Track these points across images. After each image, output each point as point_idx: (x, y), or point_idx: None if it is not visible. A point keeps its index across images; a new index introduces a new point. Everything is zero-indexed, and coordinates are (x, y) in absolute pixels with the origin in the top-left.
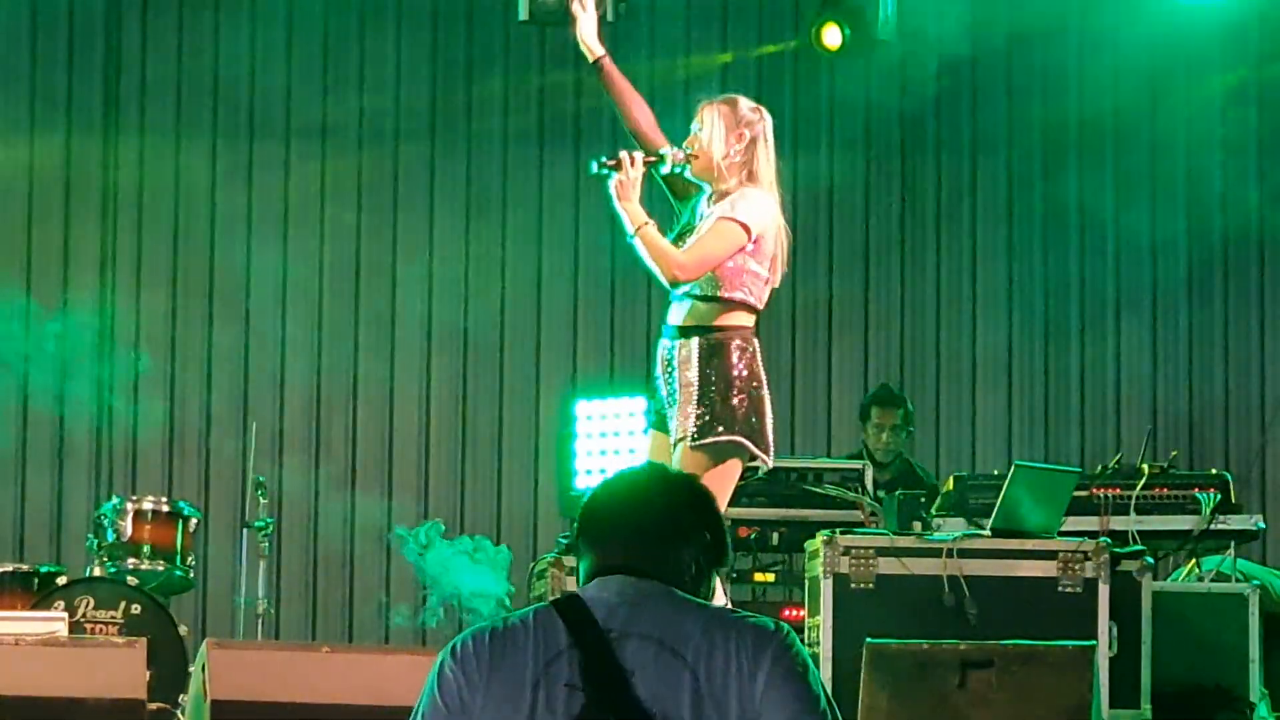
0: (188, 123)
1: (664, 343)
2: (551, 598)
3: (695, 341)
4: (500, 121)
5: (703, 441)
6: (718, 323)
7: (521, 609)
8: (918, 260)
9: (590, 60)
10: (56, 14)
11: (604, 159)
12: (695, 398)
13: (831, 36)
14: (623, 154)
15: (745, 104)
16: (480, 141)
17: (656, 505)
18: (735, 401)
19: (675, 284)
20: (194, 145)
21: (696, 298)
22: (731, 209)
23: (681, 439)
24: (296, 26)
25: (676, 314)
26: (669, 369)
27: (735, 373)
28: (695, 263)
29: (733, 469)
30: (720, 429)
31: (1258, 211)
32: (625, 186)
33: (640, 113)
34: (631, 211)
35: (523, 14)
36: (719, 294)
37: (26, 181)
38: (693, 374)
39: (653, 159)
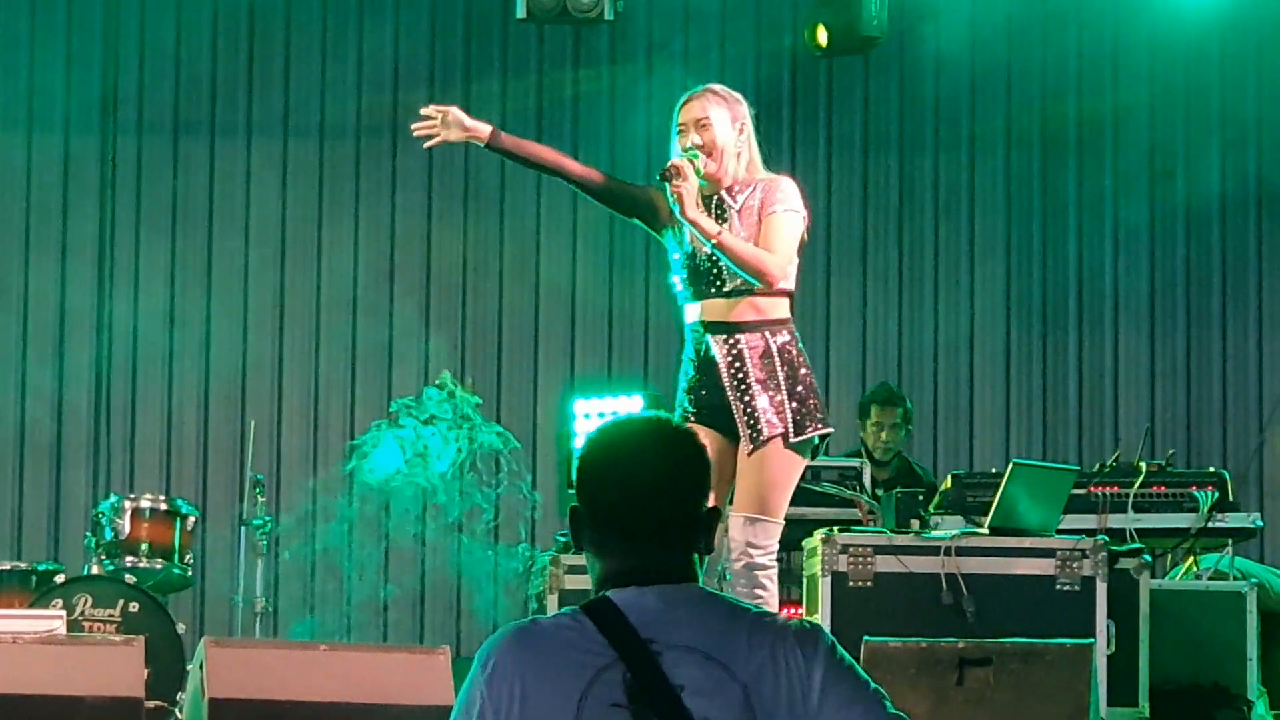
0: (186, 121)
1: (719, 339)
2: (584, 601)
3: (765, 335)
4: (498, 119)
5: (800, 438)
6: (778, 316)
7: (553, 613)
8: (915, 258)
9: (484, 144)
10: (54, 12)
11: (662, 170)
12: (785, 393)
13: (823, 34)
14: (674, 162)
15: (728, 93)
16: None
17: (682, 486)
18: (815, 392)
19: (771, 286)
20: (191, 143)
21: (755, 292)
22: (783, 200)
23: (777, 435)
24: (294, 24)
25: (725, 310)
26: (737, 364)
27: (807, 364)
28: (786, 261)
29: (804, 462)
30: (812, 424)
31: (1256, 209)
32: (687, 196)
33: (550, 154)
34: (702, 221)
35: (520, 12)
36: (779, 287)
37: (24, 178)
38: (774, 368)
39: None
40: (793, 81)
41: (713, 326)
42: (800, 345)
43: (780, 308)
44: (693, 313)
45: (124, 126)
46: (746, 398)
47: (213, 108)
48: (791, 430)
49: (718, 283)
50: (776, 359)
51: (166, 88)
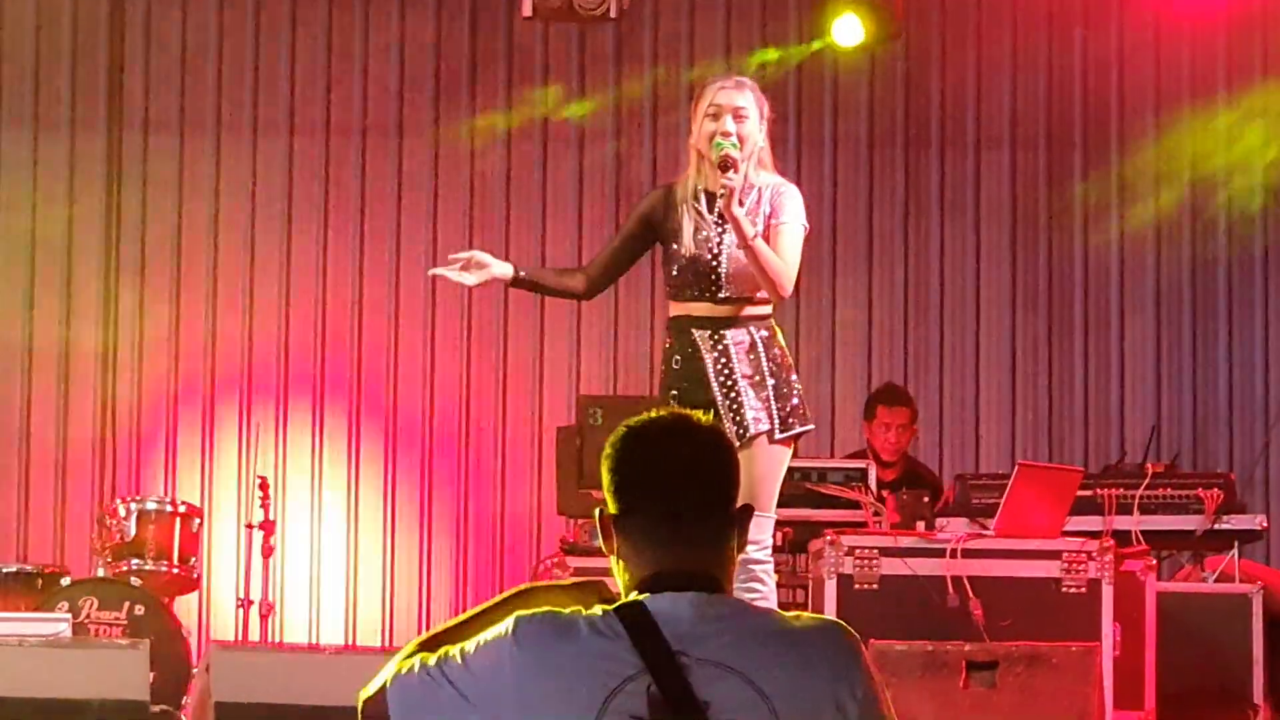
0: (191, 119)
1: (704, 334)
2: (616, 604)
3: (750, 330)
4: (503, 118)
5: (786, 435)
6: (762, 313)
7: (587, 612)
8: (921, 258)
9: (510, 282)
10: (59, 11)
11: (722, 158)
12: (771, 390)
13: (843, 33)
14: (730, 156)
15: (758, 89)
16: (483, 138)
17: (717, 483)
18: (800, 390)
19: (779, 299)
20: (197, 141)
21: (747, 301)
22: (792, 212)
23: (764, 433)
24: (300, 21)
25: (712, 309)
26: (723, 361)
27: (790, 360)
28: (794, 273)
29: (789, 454)
30: (798, 421)
31: (1261, 210)
32: (737, 191)
33: (559, 283)
34: (743, 220)
35: (527, 10)
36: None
37: (30, 177)
38: (762, 364)
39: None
40: (798, 78)
41: (698, 322)
42: (782, 340)
43: (764, 305)
44: (677, 308)
45: (129, 124)
46: (733, 394)
47: (217, 104)
48: (778, 428)
49: (714, 289)
50: (762, 355)
51: (172, 84)
